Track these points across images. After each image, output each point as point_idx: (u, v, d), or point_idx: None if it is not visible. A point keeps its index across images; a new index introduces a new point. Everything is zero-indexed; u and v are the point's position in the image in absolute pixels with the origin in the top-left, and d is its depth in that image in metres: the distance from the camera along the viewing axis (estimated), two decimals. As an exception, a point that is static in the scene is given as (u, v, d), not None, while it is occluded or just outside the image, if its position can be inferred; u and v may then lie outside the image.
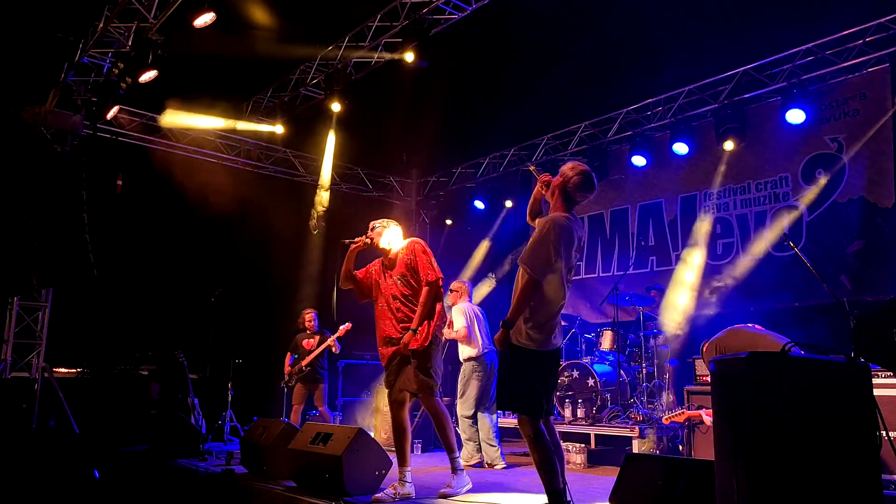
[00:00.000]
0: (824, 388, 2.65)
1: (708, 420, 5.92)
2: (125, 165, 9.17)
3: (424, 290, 4.82)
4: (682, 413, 6.14)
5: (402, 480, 4.67)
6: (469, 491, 4.88)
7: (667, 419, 6.25)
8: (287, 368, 8.36)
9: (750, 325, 5.37)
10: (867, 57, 7.63)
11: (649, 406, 7.26)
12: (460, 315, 6.78)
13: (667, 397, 7.48)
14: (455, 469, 4.85)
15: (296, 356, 8.34)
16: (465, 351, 6.83)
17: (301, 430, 5.43)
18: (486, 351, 6.73)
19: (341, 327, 8.21)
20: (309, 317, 8.51)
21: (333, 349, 8.25)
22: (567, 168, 4.14)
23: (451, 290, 7.02)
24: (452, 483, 4.80)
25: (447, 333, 6.51)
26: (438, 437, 5.00)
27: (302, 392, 8.18)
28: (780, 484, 2.46)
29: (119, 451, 7.25)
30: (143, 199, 9.54)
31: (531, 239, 3.92)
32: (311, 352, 8.20)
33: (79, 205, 8.00)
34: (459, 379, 6.88)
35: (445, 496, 4.66)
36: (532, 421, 3.78)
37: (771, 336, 5.07)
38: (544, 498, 3.82)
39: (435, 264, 4.91)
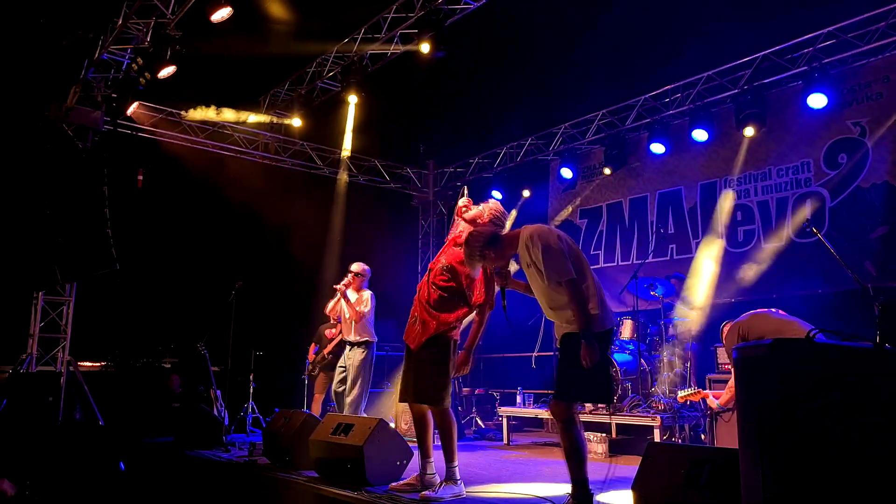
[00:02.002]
0: (850, 375, 2.62)
1: (713, 402, 5.87)
2: (145, 160, 9.25)
3: (464, 308, 4.54)
4: (698, 392, 6.11)
5: (424, 472, 4.69)
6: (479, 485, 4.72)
7: (682, 397, 6.23)
8: (311, 357, 8.43)
9: (773, 310, 5.31)
10: (890, 39, 7.49)
11: (670, 395, 7.22)
12: (370, 300, 6.98)
13: (688, 385, 7.44)
14: (451, 478, 4.42)
15: (319, 346, 8.40)
16: (359, 334, 6.95)
17: (322, 420, 5.47)
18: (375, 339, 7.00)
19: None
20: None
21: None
22: (477, 238, 4.04)
23: (359, 274, 7.03)
24: (440, 490, 4.35)
25: (359, 311, 6.86)
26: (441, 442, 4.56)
27: (323, 381, 8.20)
28: (806, 472, 2.44)
29: (143, 443, 7.34)
30: (164, 193, 9.64)
31: (542, 258, 3.79)
32: (332, 340, 8.24)
33: (101, 200, 8.08)
34: (366, 362, 6.88)
35: (428, 500, 4.25)
36: (567, 407, 3.77)
37: (796, 322, 5.02)
38: (566, 487, 3.83)
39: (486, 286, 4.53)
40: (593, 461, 6.30)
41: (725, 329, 5.74)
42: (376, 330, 7.13)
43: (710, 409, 6.03)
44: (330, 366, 8.21)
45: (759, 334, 5.04)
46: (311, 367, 8.43)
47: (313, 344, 8.54)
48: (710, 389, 6.36)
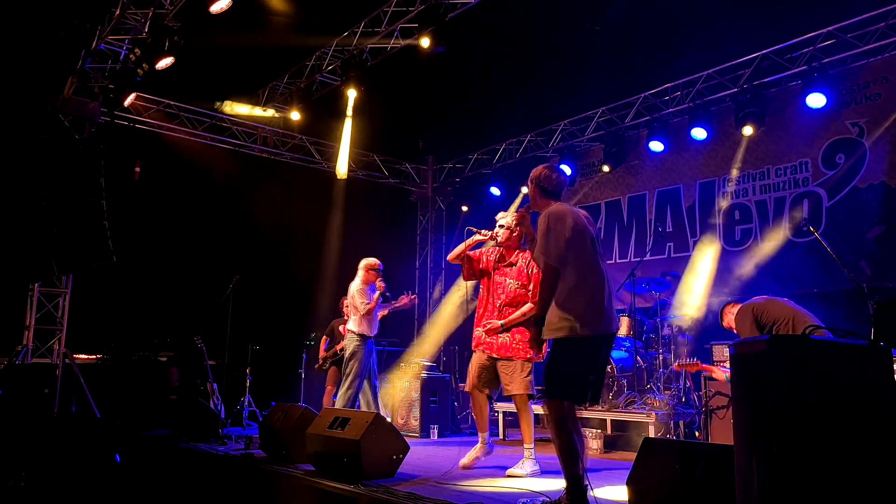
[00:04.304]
0: (845, 371, 2.63)
1: (719, 374, 5.90)
2: (143, 152, 9.23)
3: (530, 304, 5.32)
4: (697, 364, 6.13)
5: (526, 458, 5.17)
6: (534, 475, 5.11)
7: (678, 366, 6.28)
8: (322, 353, 8.46)
9: (786, 299, 5.31)
10: (890, 40, 7.49)
11: (666, 392, 7.24)
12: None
13: (683, 382, 7.45)
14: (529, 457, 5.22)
15: (331, 340, 8.43)
16: (356, 324, 7.11)
17: (319, 414, 5.48)
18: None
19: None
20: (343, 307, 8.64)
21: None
22: (533, 172, 4.25)
23: (373, 269, 7.22)
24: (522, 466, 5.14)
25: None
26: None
27: (336, 374, 8.29)
28: (800, 467, 2.45)
29: (139, 436, 7.33)
30: (161, 185, 9.62)
31: (540, 233, 3.92)
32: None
33: (97, 191, 8.06)
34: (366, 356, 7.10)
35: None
36: (558, 405, 3.77)
37: (810, 315, 5.03)
38: (560, 482, 3.84)
39: None
40: (589, 457, 6.34)
41: (731, 310, 5.66)
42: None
43: (718, 380, 6.01)
44: (342, 360, 8.27)
45: (773, 318, 5.05)
46: (321, 362, 8.49)
47: (325, 338, 8.57)
48: (706, 388, 6.37)
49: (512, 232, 5.43)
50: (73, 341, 8.96)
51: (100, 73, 8.80)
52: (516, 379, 5.26)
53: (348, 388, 6.93)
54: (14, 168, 8.56)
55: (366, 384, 7.14)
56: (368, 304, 7.04)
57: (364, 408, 7.02)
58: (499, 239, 5.44)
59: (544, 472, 5.20)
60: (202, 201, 10.11)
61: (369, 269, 7.20)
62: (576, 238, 3.87)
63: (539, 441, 7.74)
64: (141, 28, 7.71)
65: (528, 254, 5.36)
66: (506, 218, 5.48)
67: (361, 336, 7.07)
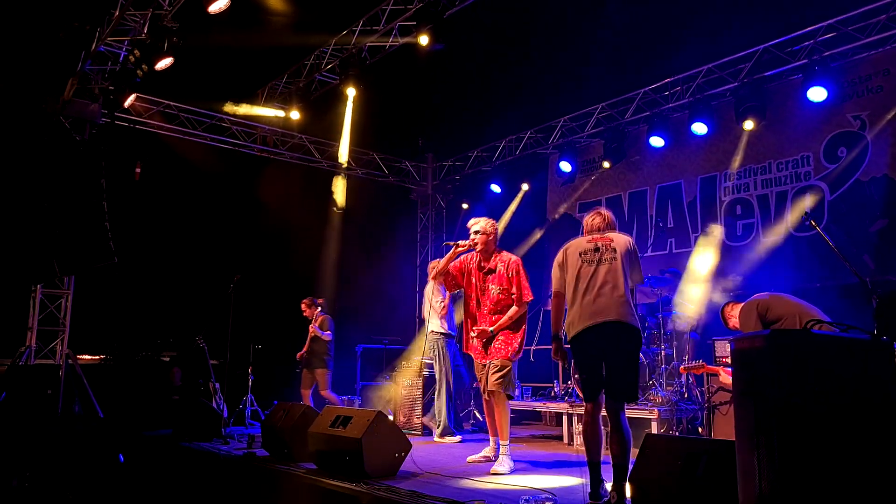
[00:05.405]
0: (847, 366, 2.61)
1: (725, 378, 5.89)
2: (143, 153, 9.23)
3: (515, 308, 5.49)
4: (703, 366, 6.13)
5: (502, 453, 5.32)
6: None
7: (683, 369, 6.30)
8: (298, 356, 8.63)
9: (787, 294, 5.29)
10: (891, 32, 7.47)
11: (668, 388, 7.22)
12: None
13: (686, 378, 7.43)
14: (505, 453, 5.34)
15: None
16: (439, 325, 7.33)
17: (321, 413, 5.48)
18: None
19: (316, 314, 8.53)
20: (303, 307, 8.85)
21: (322, 337, 8.44)
22: None
23: None
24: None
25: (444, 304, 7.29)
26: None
27: (308, 377, 8.53)
28: (803, 462, 2.44)
29: (142, 436, 7.34)
30: (162, 186, 9.62)
31: None
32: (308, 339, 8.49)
33: (98, 193, 8.06)
34: (443, 350, 7.27)
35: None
36: (584, 403, 4.29)
37: (816, 311, 5.01)
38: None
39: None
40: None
41: (733, 309, 5.64)
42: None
43: (723, 386, 6.01)
44: (307, 363, 8.56)
45: (778, 315, 5.02)
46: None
47: None
48: (708, 383, 6.35)
49: (488, 236, 5.57)
50: (75, 342, 8.97)
51: (100, 75, 8.80)
52: (492, 377, 5.46)
53: (444, 387, 7.19)
54: (15, 170, 8.57)
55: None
56: (443, 301, 7.31)
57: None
58: (478, 247, 5.59)
59: (527, 462, 5.55)
60: (202, 201, 10.11)
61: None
62: (566, 260, 4.32)
63: (538, 439, 7.76)
64: (140, 29, 7.70)
65: (504, 255, 5.61)
66: (479, 223, 5.61)
67: (444, 335, 7.30)
